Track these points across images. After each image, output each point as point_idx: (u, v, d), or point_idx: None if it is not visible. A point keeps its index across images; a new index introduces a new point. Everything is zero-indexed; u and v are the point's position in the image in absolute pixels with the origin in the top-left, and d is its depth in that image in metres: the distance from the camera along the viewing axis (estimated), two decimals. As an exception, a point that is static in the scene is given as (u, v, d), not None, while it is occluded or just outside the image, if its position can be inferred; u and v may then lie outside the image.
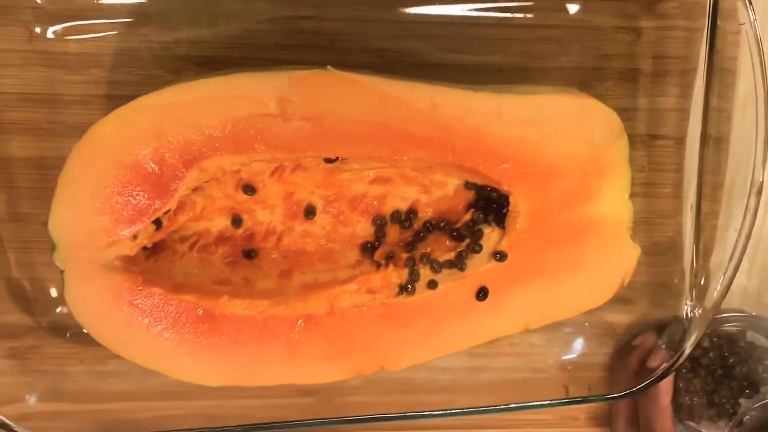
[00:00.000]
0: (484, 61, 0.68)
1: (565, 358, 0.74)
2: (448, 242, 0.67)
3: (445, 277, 0.65)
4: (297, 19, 0.66)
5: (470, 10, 0.67)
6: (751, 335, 0.78)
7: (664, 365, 0.67)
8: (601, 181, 0.63)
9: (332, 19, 0.66)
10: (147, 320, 0.59)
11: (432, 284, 0.64)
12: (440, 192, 0.67)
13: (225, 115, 0.57)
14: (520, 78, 0.68)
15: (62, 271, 0.59)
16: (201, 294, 0.61)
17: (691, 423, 0.77)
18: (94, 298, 0.59)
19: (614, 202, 0.64)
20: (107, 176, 0.57)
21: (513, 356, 0.73)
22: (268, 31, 0.66)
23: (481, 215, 0.66)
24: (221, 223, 0.65)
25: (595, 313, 0.68)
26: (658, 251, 0.73)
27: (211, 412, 0.66)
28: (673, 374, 0.68)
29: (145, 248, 0.62)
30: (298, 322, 0.62)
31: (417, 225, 0.68)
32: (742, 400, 0.76)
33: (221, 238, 0.65)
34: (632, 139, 0.64)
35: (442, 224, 0.67)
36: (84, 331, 0.60)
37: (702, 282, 0.67)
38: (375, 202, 0.67)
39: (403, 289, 0.64)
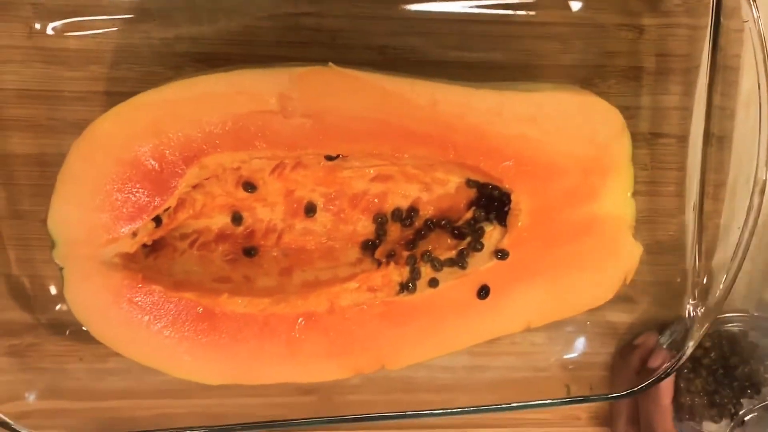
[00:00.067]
0: (485, 59, 0.68)
1: (566, 357, 0.74)
2: (449, 240, 0.67)
3: (446, 275, 0.64)
4: (298, 16, 0.66)
5: (472, 7, 0.66)
6: (753, 335, 0.78)
7: (666, 365, 0.67)
8: (603, 180, 0.63)
9: (333, 15, 0.66)
10: (147, 318, 0.59)
11: (433, 282, 0.64)
12: (441, 190, 0.67)
13: (225, 111, 0.56)
14: (522, 75, 0.68)
15: (61, 269, 0.58)
16: (201, 292, 0.61)
17: (692, 423, 0.77)
18: (93, 296, 0.59)
19: (616, 200, 0.64)
20: (107, 173, 0.56)
21: (514, 355, 0.73)
22: (268, 28, 0.66)
23: (483, 213, 0.66)
24: (221, 221, 0.65)
25: (596, 312, 0.68)
26: (661, 250, 0.72)
27: (211, 410, 0.66)
28: (674, 374, 0.68)
29: (144, 246, 0.61)
30: (299, 320, 0.61)
31: (418, 223, 0.67)
32: (743, 401, 0.76)
33: (221, 236, 0.65)
34: (635, 137, 0.64)
35: (444, 222, 0.67)
36: (84, 328, 0.60)
37: (704, 281, 0.67)
38: (376, 200, 0.66)
39: (404, 287, 0.64)
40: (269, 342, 0.61)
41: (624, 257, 0.65)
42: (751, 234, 0.63)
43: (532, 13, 0.67)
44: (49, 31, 0.64)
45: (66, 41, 0.64)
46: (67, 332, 0.68)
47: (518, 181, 0.62)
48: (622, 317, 0.75)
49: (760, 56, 0.60)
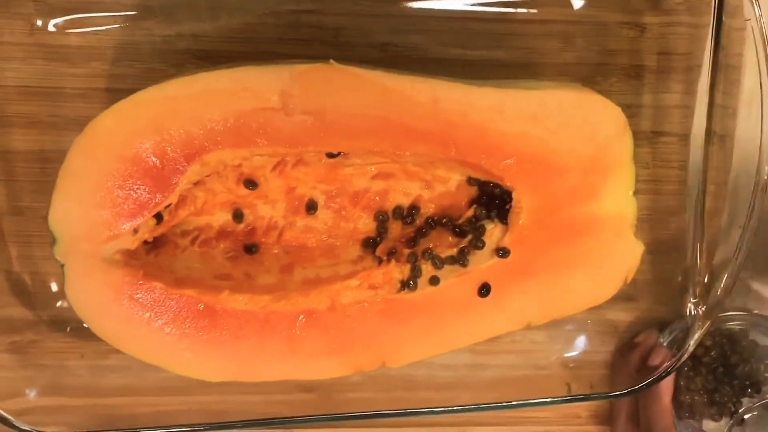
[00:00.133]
0: (487, 56, 0.68)
1: (567, 355, 0.74)
2: (450, 238, 0.67)
3: (446, 273, 0.64)
4: (299, 13, 0.65)
5: (473, 4, 0.66)
6: (753, 334, 0.77)
7: (666, 364, 0.67)
8: (604, 178, 0.63)
9: (335, 13, 0.66)
10: (147, 315, 0.59)
11: (434, 280, 0.64)
12: (442, 187, 0.66)
13: (226, 108, 0.56)
14: (524, 73, 0.68)
15: (62, 265, 0.58)
16: (202, 289, 0.61)
17: (691, 421, 0.77)
18: (94, 293, 0.59)
19: (618, 198, 0.64)
20: (108, 170, 0.56)
21: (514, 353, 0.73)
22: (270, 25, 0.66)
23: (484, 211, 0.66)
24: (222, 218, 0.65)
25: (597, 310, 0.67)
26: (662, 249, 0.72)
27: (212, 407, 0.66)
28: (674, 372, 0.68)
29: (146, 242, 0.61)
30: (299, 318, 0.61)
31: (419, 221, 0.67)
32: (743, 399, 0.76)
33: (222, 233, 0.65)
34: (636, 136, 0.64)
35: (445, 220, 0.67)
36: (84, 325, 0.60)
37: (705, 280, 0.67)
38: (377, 198, 0.66)
39: (405, 285, 0.64)
40: (270, 339, 0.61)
41: (625, 256, 0.65)
42: (753, 233, 0.63)
43: (533, 10, 0.67)
44: (51, 27, 0.64)
45: (67, 38, 0.64)
46: (68, 329, 0.68)
47: (519, 179, 0.61)
48: (622, 316, 0.75)
49: (762, 55, 0.60)
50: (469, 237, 0.66)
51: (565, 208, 0.63)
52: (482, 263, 0.64)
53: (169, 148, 0.57)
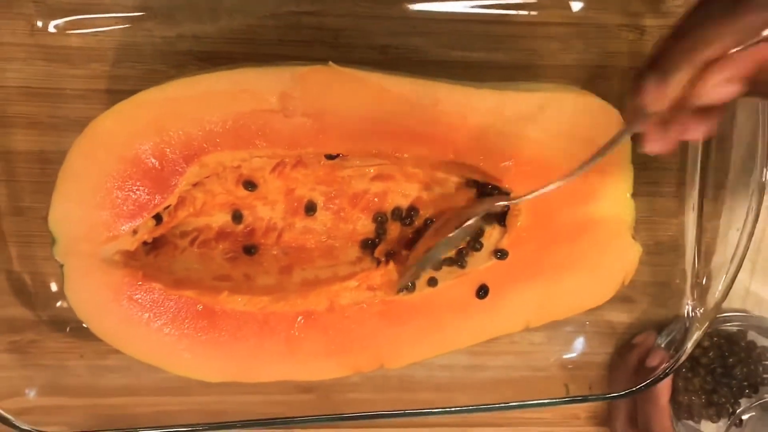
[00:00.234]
0: (486, 58, 0.68)
1: (565, 356, 0.74)
2: (449, 240, 0.67)
3: (445, 274, 0.64)
4: (300, 15, 0.66)
5: (473, 7, 0.66)
6: (751, 335, 0.78)
7: (664, 365, 0.67)
8: (603, 180, 0.63)
9: (335, 15, 0.66)
10: (147, 315, 0.59)
11: (432, 282, 0.64)
12: (441, 189, 0.67)
13: (226, 110, 0.57)
14: (523, 75, 0.68)
15: (62, 266, 0.58)
16: (201, 289, 0.61)
17: (690, 422, 0.77)
18: (93, 293, 0.59)
19: (616, 200, 0.64)
20: (108, 171, 0.57)
21: (513, 354, 0.73)
22: (270, 27, 0.66)
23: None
24: (221, 219, 0.65)
25: (596, 311, 0.68)
26: (660, 250, 0.72)
27: (211, 407, 0.66)
28: (672, 373, 0.68)
29: (145, 243, 0.62)
30: (298, 319, 0.62)
31: (418, 222, 0.67)
32: (741, 400, 0.76)
33: (221, 234, 0.65)
34: (634, 138, 0.64)
35: (443, 221, 0.67)
36: (84, 325, 0.60)
37: (703, 282, 0.67)
38: (376, 199, 0.67)
39: (403, 286, 0.64)
40: (269, 340, 0.61)
41: (623, 258, 0.65)
42: (751, 235, 0.63)
43: (533, 13, 0.67)
44: (52, 28, 0.64)
45: (68, 39, 0.64)
46: (68, 329, 0.68)
47: (518, 181, 0.62)
48: (621, 317, 0.75)
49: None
50: (468, 239, 0.66)
51: (563, 210, 0.63)
52: (480, 265, 0.64)
53: (168, 150, 0.57)
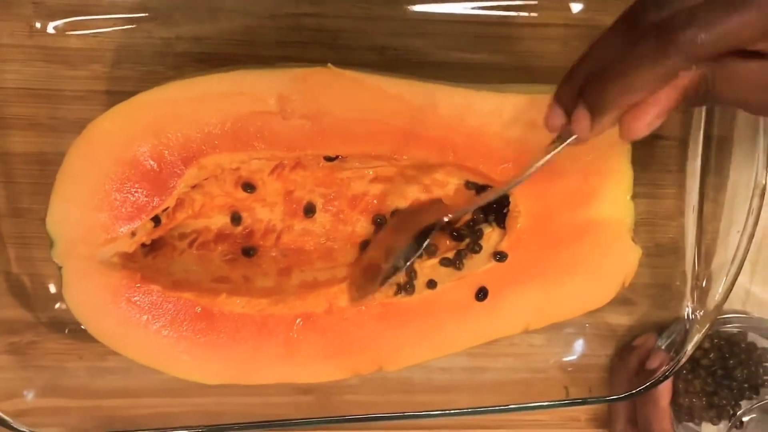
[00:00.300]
0: (486, 60, 0.67)
1: (565, 359, 0.74)
2: (448, 242, 0.67)
3: (444, 276, 0.64)
4: (299, 16, 0.65)
5: (473, 8, 0.66)
6: (751, 337, 0.77)
7: (665, 368, 0.67)
8: (602, 182, 0.63)
9: (334, 16, 0.66)
10: (145, 317, 0.59)
11: (431, 284, 0.64)
12: (441, 191, 0.66)
13: (225, 112, 0.56)
14: (523, 77, 0.68)
15: (60, 268, 0.58)
16: (199, 291, 0.61)
17: (690, 424, 0.77)
18: (92, 295, 0.59)
19: (616, 203, 0.64)
20: (106, 172, 0.56)
21: (513, 357, 0.73)
22: (269, 28, 0.66)
23: (482, 215, 0.66)
24: (220, 221, 0.65)
25: (596, 313, 0.68)
26: (660, 252, 0.72)
27: (209, 409, 0.66)
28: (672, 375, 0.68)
29: (143, 245, 0.62)
30: (297, 321, 0.62)
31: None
32: (742, 402, 0.76)
33: (220, 236, 0.65)
34: (635, 140, 0.64)
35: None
36: (83, 327, 0.60)
37: (704, 284, 0.67)
38: (375, 201, 0.67)
39: (402, 288, 0.64)
40: (267, 342, 0.61)
41: (623, 260, 0.65)
42: (751, 237, 0.63)
43: (533, 14, 0.67)
44: (50, 29, 0.64)
45: (67, 40, 0.64)
46: (67, 330, 0.68)
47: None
48: (621, 319, 0.75)
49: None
50: (467, 241, 0.66)
51: (563, 213, 0.63)
52: (480, 267, 0.64)
53: (167, 152, 0.57)
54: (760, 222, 0.63)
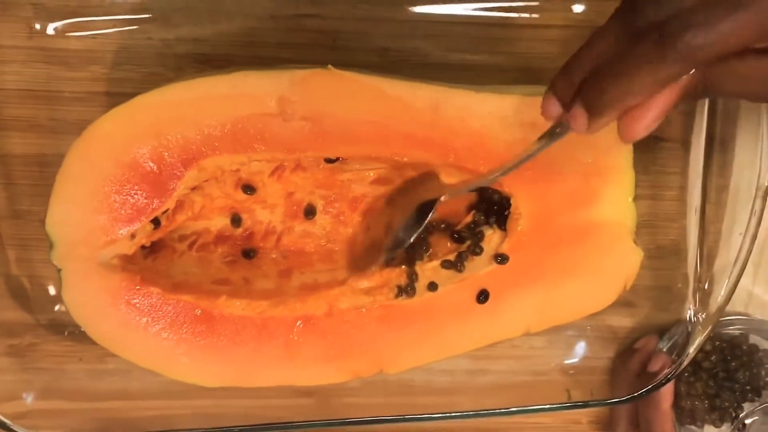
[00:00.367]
0: (487, 61, 0.67)
1: (567, 361, 0.73)
2: (449, 244, 0.67)
3: (445, 279, 0.64)
4: (299, 18, 0.65)
5: (474, 9, 0.66)
6: (753, 339, 0.77)
7: (666, 370, 0.66)
8: (604, 184, 0.63)
9: (334, 17, 0.65)
10: (145, 320, 0.59)
11: (432, 286, 0.64)
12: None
13: (225, 114, 0.56)
14: (524, 78, 0.67)
15: (60, 270, 0.58)
16: (199, 294, 0.61)
17: (692, 427, 0.77)
18: (91, 297, 0.59)
19: (617, 205, 0.63)
20: (105, 174, 0.56)
21: (514, 359, 0.73)
22: (270, 29, 0.65)
23: (483, 217, 0.66)
24: (220, 223, 0.65)
25: (597, 316, 0.67)
26: (662, 254, 0.72)
27: (210, 411, 0.66)
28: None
29: (143, 247, 0.61)
30: (297, 323, 0.61)
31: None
32: (744, 404, 0.76)
33: (220, 238, 0.65)
34: (636, 141, 0.63)
35: (443, 226, 0.67)
36: (82, 329, 0.60)
37: (706, 286, 0.67)
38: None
39: (403, 290, 0.63)
40: (267, 345, 0.61)
41: (625, 262, 0.65)
42: (753, 238, 0.63)
43: (534, 15, 0.67)
44: (50, 31, 0.64)
45: (67, 42, 0.64)
46: (66, 333, 0.68)
47: (518, 185, 0.61)
48: (622, 321, 0.75)
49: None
50: (468, 243, 0.65)
51: (564, 215, 0.63)
52: (481, 269, 0.64)
53: (167, 153, 0.57)
54: (762, 223, 0.63)
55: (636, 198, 0.64)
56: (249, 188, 0.63)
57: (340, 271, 0.66)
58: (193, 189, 0.61)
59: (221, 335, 0.60)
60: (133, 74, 0.65)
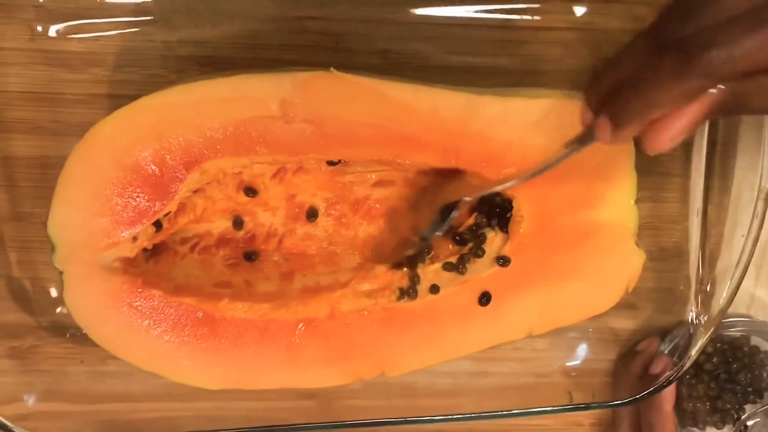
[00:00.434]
0: (489, 64, 0.67)
1: (569, 363, 0.73)
2: (451, 246, 0.67)
3: (447, 281, 0.64)
4: (301, 20, 0.65)
5: (476, 11, 0.66)
6: (755, 340, 0.77)
7: (668, 373, 0.66)
8: (606, 186, 0.63)
9: (336, 19, 0.65)
10: (146, 322, 0.59)
11: (434, 289, 0.64)
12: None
13: (227, 116, 0.56)
14: (526, 81, 0.67)
15: (61, 273, 0.58)
16: (201, 296, 0.61)
17: (694, 429, 0.77)
18: (93, 300, 0.59)
19: (619, 207, 0.63)
20: (107, 177, 0.56)
21: (516, 361, 0.73)
22: (271, 31, 0.65)
23: (485, 219, 0.66)
24: (222, 225, 0.65)
25: (599, 318, 0.67)
26: (664, 257, 0.72)
27: (211, 413, 0.66)
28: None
29: (145, 250, 0.61)
30: (299, 326, 0.61)
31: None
32: (746, 406, 0.76)
33: (222, 240, 0.65)
34: (638, 144, 0.64)
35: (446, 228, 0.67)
36: (84, 331, 0.60)
37: (708, 289, 0.67)
38: (377, 205, 0.66)
39: (405, 293, 0.63)
40: (269, 347, 0.61)
41: (627, 265, 0.65)
42: (755, 240, 0.63)
43: (536, 18, 0.67)
44: (52, 33, 0.64)
45: (69, 44, 0.64)
46: (68, 335, 0.68)
47: (520, 187, 0.61)
48: (624, 324, 0.75)
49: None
50: (470, 245, 0.65)
51: (566, 217, 0.63)
52: (483, 272, 0.64)
53: (168, 156, 0.57)
54: (764, 226, 0.63)
55: (638, 200, 0.64)
56: (251, 191, 0.63)
57: (342, 273, 0.66)
58: (195, 191, 0.61)
59: (223, 338, 0.60)
60: (135, 76, 0.65)
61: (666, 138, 0.45)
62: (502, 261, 0.63)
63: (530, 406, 0.65)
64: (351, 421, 0.64)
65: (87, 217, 0.57)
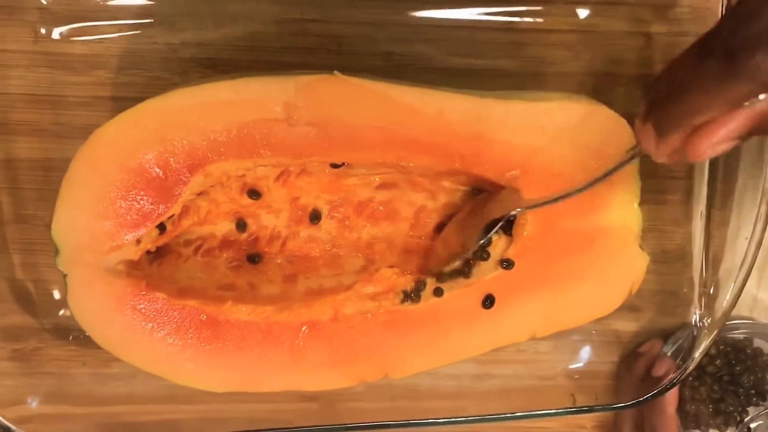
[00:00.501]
0: (492, 66, 0.67)
1: (572, 366, 0.73)
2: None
3: (450, 284, 0.64)
4: (304, 22, 0.65)
5: (479, 14, 0.66)
6: (758, 342, 0.77)
7: (671, 375, 0.66)
8: (610, 189, 0.62)
9: (339, 22, 0.65)
10: (150, 325, 0.59)
11: (438, 292, 0.64)
12: (447, 198, 0.66)
13: (230, 119, 0.56)
14: (529, 83, 0.68)
15: (65, 275, 0.58)
16: (205, 299, 0.61)
17: (697, 432, 0.77)
18: (96, 303, 0.58)
19: (623, 210, 0.63)
20: (111, 180, 0.56)
21: (519, 363, 0.73)
22: (274, 34, 0.65)
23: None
24: (226, 227, 0.65)
25: (602, 320, 0.67)
26: (667, 259, 0.72)
27: (214, 416, 0.66)
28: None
29: (148, 252, 0.61)
30: (303, 329, 0.61)
31: (424, 231, 0.67)
32: (749, 408, 0.76)
33: (226, 242, 0.65)
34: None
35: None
36: (87, 334, 0.60)
37: (711, 291, 0.66)
38: (381, 208, 0.66)
39: (409, 296, 0.63)
40: (273, 350, 0.61)
41: (630, 267, 0.65)
42: (759, 243, 0.63)
43: (539, 20, 0.67)
44: (55, 35, 0.64)
45: (72, 46, 0.64)
46: (71, 337, 0.68)
47: (524, 190, 0.61)
48: (627, 326, 0.75)
49: None
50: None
51: (570, 220, 0.63)
52: (487, 275, 0.64)
53: (172, 159, 0.57)
54: (768, 228, 0.63)
55: (642, 203, 0.64)
56: (254, 193, 0.63)
57: (345, 276, 0.66)
58: (199, 194, 0.61)
59: (226, 340, 0.60)
60: (138, 78, 0.65)
61: (706, 144, 0.44)
62: (506, 264, 0.63)
63: (533, 409, 0.65)
64: (354, 424, 0.64)
65: (91, 220, 0.57)
